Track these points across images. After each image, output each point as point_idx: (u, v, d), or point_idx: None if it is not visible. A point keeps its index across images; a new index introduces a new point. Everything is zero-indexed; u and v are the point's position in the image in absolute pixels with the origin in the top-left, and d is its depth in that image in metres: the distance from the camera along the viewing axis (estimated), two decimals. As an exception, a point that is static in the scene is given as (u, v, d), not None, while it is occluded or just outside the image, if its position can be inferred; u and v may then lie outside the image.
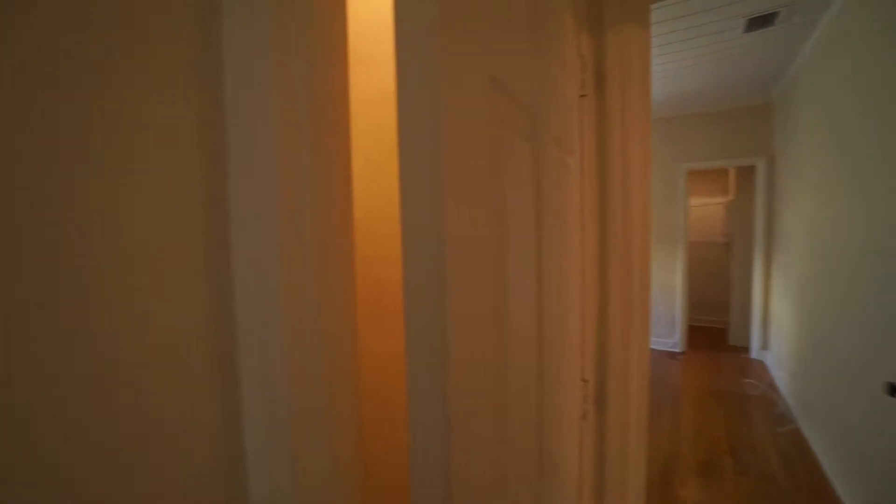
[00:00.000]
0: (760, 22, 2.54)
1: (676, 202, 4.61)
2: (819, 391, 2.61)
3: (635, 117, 1.13)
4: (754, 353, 4.38)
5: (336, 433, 0.45)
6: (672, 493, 2.31)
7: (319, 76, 0.42)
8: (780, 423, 3.03)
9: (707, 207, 5.90)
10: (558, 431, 0.85)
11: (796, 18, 2.53)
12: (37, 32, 0.30)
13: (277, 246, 0.39)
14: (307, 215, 0.41)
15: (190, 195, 0.39)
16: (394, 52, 0.38)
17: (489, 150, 0.48)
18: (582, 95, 1.04)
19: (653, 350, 4.68)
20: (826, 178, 2.54)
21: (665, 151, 4.61)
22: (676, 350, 4.68)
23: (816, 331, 2.68)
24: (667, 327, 4.73)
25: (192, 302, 0.39)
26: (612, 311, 1.18)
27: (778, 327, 3.79)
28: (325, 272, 0.43)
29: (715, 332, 5.44)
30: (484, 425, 0.48)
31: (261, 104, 0.39)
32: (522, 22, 0.61)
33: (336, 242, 0.44)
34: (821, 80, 2.66)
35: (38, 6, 0.30)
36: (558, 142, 0.80)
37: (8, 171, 0.28)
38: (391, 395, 1.33)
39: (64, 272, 0.31)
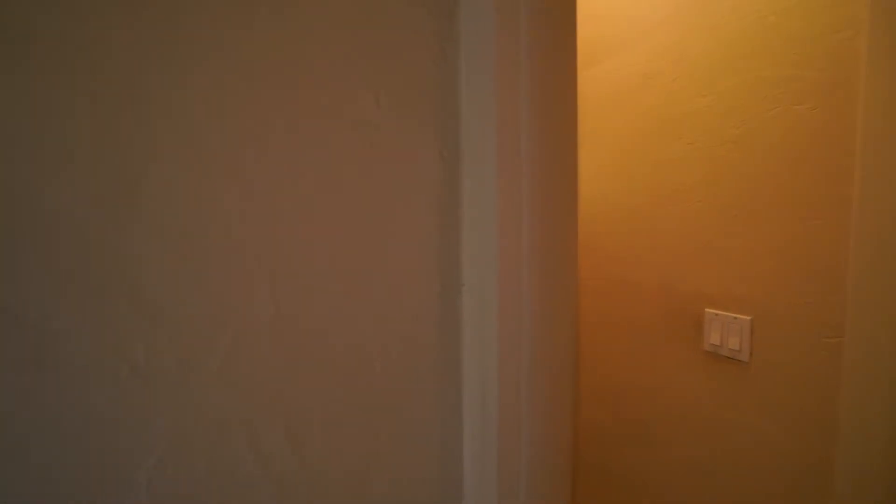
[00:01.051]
0: None
1: None
2: None
3: None
4: None
5: (546, 431, 0.45)
6: None
7: (543, 81, 0.42)
8: None
9: None
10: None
11: None
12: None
13: (497, 249, 0.40)
14: (525, 228, 0.41)
15: (430, 199, 0.42)
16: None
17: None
18: None
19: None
20: None
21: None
22: None
23: None
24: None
25: (429, 303, 0.43)
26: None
27: None
28: (543, 277, 0.42)
29: None
30: None
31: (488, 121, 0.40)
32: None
33: (556, 250, 0.43)
34: None
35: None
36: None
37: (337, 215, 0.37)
38: (603, 387, 1.33)
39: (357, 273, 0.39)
